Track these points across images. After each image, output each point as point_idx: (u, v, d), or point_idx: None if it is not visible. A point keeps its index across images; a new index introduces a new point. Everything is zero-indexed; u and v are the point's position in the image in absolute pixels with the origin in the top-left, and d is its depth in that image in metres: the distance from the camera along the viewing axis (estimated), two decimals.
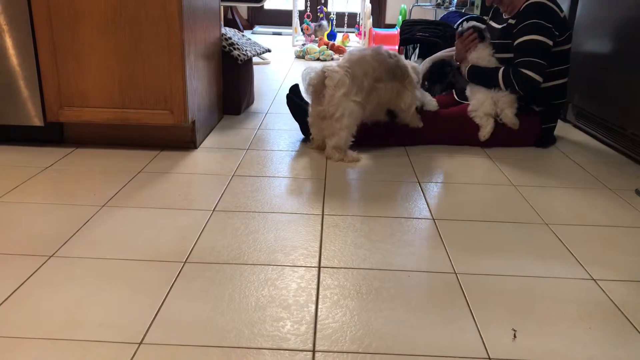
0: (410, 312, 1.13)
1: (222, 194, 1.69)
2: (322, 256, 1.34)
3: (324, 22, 5.21)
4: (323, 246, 1.39)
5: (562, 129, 2.57)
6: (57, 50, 1.92)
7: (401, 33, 3.20)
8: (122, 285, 1.19)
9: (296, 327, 1.07)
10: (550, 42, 2.10)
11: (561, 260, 1.37)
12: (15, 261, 1.27)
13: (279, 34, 5.89)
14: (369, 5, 5.09)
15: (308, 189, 1.76)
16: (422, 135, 2.23)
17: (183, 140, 2.11)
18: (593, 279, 1.29)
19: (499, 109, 2.20)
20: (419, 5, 5.44)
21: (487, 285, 1.24)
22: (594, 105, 2.44)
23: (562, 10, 2.14)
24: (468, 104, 2.27)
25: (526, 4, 2.13)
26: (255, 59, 3.82)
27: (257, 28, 6.14)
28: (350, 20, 6.00)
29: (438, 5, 4.90)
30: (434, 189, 1.80)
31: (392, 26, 6.03)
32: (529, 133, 2.25)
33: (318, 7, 5.40)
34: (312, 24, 5.25)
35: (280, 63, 4.21)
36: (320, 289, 1.20)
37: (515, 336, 1.07)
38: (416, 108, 2.19)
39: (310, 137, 2.16)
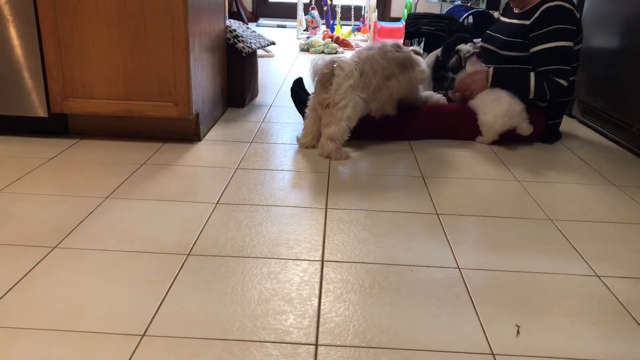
0: (413, 307, 1.13)
1: (225, 187, 1.69)
2: (325, 250, 1.34)
3: (314, 13, 5.09)
4: (326, 240, 1.39)
5: (567, 124, 2.55)
6: (62, 41, 1.92)
7: (406, 26, 3.19)
8: (126, 277, 1.19)
9: (299, 321, 1.07)
10: (573, 45, 2.11)
11: (565, 256, 1.37)
12: (19, 252, 1.28)
13: (284, 26, 5.88)
14: None
15: (312, 183, 1.76)
16: (423, 129, 2.22)
17: (187, 132, 2.10)
18: (597, 275, 1.28)
19: (513, 122, 2.12)
20: None
21: (491, 281, 1.24)
22: (600, 101, 2.43)
23: (577, 10, 2.12)
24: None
25: (545, 7, 2.10)
26: (259, 52, 3.80)
27: (262, 20, 6.12)
28: (355, 14, 5.97)
29: None
30: (438, 184, 1.79)
31: (398, 19, 6.00)
32: (534, 129, 2.24)
33: (322, 0, 5.37)
34: (304, 18, 5.18)
35: (285, 56, 4.20)
36: (323, 282, 1.20)
37: (518, 332, 1.07)
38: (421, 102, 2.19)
39: (302, 131, 2.11)
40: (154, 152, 1.96)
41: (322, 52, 4.42)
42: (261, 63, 3.77)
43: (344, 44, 4.60)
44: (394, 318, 1.09)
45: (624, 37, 2.26)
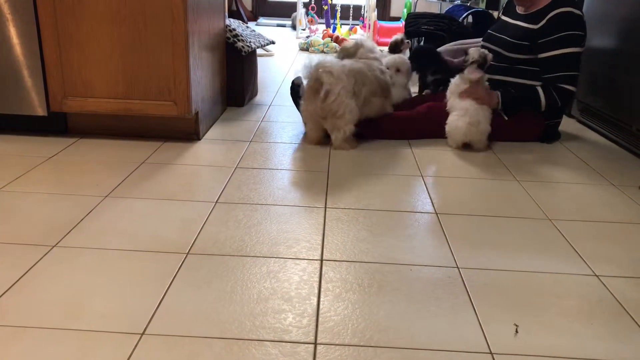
0: (412, 306, 1.13)
1: (225, 186, 1.69)
2: (324, 249, 1.34)
3: (303, 12, 5.09)
4: (325, 239, 1.39)
5: (566, 124, 2.55)
6: (61, 40, 1.92)
7: (406, 26, 3.19)
8: (125, 276, 1.19)
9: (298, 320, 1.07)
10: (582, 50, 2.12)
11: (564, 255, 1.37)
12: (18, 250, 1.28)
13: (283, 25, 5.87)
14: None
15: (311, 182, 1.76)
16: (394, 131, 2.22)
17: (186, 131, 2.10)
18: (596, 275, 1.28)
19: (470, 138, 2.08)
20: None
21: (490, 280, 1.24)
22: (599, 101, 2.43)
23: (583, 14, 2.12)
24: (433, 103, 2.24)
25: (555, 13, 2.09)
26: (259, 51, 3.80)
27: (261, 20, 6.12)
28: (355, 13, 5.97)
29: None
30: (437, 183, 1.79)
31: (397, 19, 6.00)
32: (533, 128, 2.24)
33: (322, 0, 5.36)
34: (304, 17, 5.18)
35: (284, 55, 4.20)
36: (323, 281, 1.21)
37: (517, 331, 1.07)
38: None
39: (305, 132, 2.16)
40: (154, 151, 1.96)
41: (322, 51, 4.42)
42: (261, 62, 3.77)
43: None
44: (392, 317, 1.09)
45: (623, 37, 2.27)
